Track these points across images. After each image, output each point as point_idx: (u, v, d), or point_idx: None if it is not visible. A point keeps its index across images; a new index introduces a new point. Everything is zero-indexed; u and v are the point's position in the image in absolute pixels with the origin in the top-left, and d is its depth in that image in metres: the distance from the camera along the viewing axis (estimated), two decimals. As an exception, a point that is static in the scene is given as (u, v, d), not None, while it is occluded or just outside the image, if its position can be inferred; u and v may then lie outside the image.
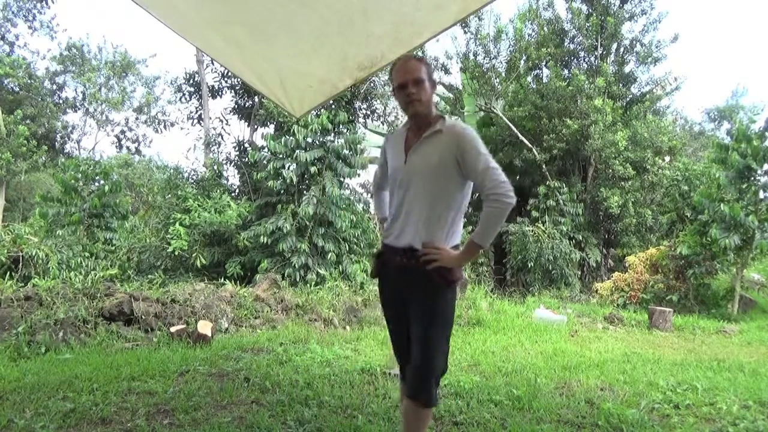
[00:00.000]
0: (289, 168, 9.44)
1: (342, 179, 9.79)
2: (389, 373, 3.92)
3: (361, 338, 5.44)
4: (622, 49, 12.83)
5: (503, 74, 13.49)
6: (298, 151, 9.28)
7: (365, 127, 13.10)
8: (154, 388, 3.38)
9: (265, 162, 10.06)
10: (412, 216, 2.17)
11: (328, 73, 3.40)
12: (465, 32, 13.87)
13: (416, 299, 2.18)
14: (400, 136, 2.31)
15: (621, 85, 12.58)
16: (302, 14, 2.88)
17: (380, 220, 2.63)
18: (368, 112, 13.31)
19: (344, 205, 9.55)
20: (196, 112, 16.42)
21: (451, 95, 14.64)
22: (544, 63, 13.11)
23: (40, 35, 30.30)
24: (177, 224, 10.08)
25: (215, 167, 12.95)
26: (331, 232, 9.33)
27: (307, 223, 9.10)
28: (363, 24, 2.91)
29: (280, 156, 9.51)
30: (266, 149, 10.19)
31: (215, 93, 15.22)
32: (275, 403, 3.17)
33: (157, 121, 25.40)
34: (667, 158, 12.35)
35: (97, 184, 10.16)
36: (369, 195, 10.97)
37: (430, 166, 2.15)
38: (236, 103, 14.31)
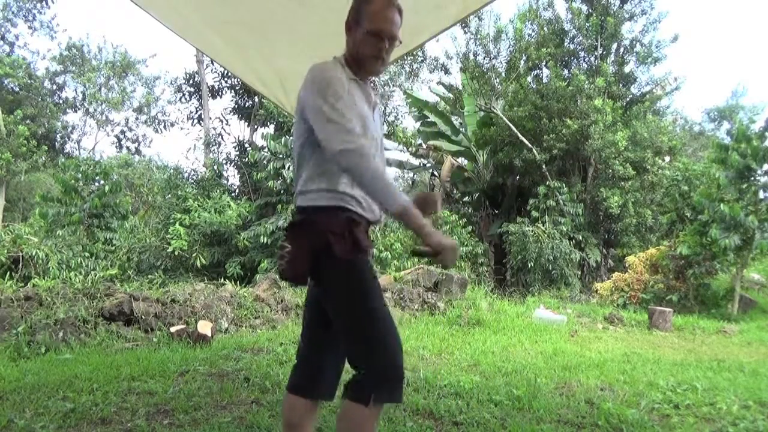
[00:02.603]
0: (289, 168, 9.45)
1: (342, 179, 9.79)
2: None
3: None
4: (622, 49, 12.84)
5: (503, 74, 13.50)
6: (298, 151, 9.28)
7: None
8: (154, 388, 3.38)
9: (265, 162, 10.07)
10: None
11: (328, 73, 3.39)
12: (465, 32, 13.89)
13: None
14: (364, 87, 1.87)
15: (621, 85, 12.59)
16: (302, 14, 2.88)
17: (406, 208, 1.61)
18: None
19: (344, 205, 9.55)
20: (196, 112, 16.46)
21: (451, 95, 14.64)
22: (544, 63, 13.12)
23: (40, 35, 30.41)
24: (177, 224, 10.10)
25: (215, 167, 12.97)
26: (331, 232, 9.33)
27: (307, 223, 9.10)
28: (363, 24, 2.90)
29: (280, 156, 9.52)
30: (266, 149, 10.21)
31: (215, 93, 15.24)
32: (275, 403, 3.16)
33: (157, 121, 25.43)
34: (667, 158, 12.36)
35: (97, 184, 10.17)
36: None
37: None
38: (236, 103, 14.34)
